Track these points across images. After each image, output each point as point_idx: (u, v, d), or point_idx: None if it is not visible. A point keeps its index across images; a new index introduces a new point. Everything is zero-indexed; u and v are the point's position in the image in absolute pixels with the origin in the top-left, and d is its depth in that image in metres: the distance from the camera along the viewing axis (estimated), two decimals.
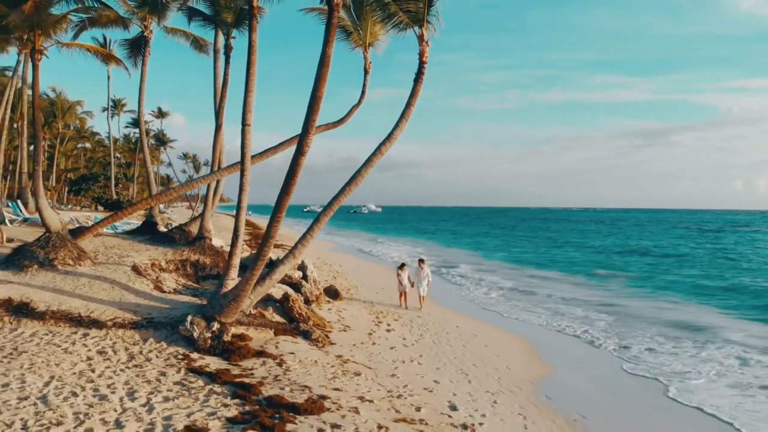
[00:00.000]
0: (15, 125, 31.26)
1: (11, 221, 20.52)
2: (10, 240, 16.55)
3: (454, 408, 9.47)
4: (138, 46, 21.20)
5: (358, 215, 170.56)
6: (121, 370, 9.30)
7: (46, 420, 6.95)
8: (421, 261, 19.92)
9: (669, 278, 31.32)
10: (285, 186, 10.82)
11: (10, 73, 43.53)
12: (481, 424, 8.86)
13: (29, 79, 26.50)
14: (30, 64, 14.78)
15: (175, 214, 74.28)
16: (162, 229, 19.79)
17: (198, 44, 21.16)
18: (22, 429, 6.64)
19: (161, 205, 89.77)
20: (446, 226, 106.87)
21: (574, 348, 15.47)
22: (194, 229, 18.70)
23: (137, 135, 78.80)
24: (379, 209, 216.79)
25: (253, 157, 14.03)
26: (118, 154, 77.75)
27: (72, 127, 60.82)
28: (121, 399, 7.94)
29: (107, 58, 16.20)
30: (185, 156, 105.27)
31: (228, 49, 16.95)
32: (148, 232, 19.28)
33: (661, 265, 38.46)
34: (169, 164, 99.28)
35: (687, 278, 31.23)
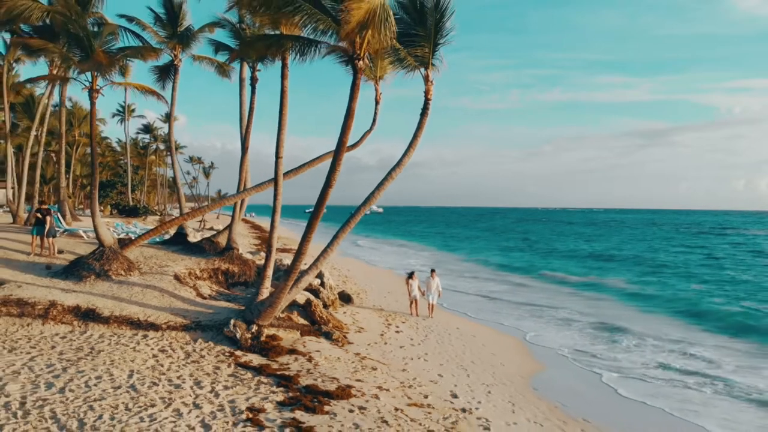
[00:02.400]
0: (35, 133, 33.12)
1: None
2: (60, 251, 18.62)
3: (455, 396, 11.54)
4: (167, 72, 23.30)
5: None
6: (183, 365, 11.37)
7: (141, 403, 9.02)
8: (432, 271, 20.93)
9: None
10: (315, 212, 12.92)
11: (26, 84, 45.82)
12: (477, 408, 10.93)
13: (53, 96, 28.68)
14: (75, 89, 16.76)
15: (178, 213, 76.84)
16: (191, 239, 21.84)
17: (222, 70, 23.22)
18: (126, 410, 8.70)
19: (167, 206, 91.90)
20: (442, 228, 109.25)
21: (559, 346, 17.55)
22: (222, 240, 20.77)
23: (146, 140, 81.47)
24: (381, 210, 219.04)
25: (289, 172, 16.11)
26: (121, 156, 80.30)
27: (83, 134, 62.89)
28: (191, 387, 10.01)
29: (149, 92, 18.21)
30: (191, 159, 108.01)
31: (254, 80, 18.99)
32: (179, 242, 21.34)
33: (614, 269, 40.84)
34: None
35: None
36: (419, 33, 14.74)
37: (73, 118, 51.11)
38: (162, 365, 11.14)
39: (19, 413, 8.25)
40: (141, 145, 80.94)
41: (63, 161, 26.04)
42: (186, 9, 22.70)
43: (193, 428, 8.19)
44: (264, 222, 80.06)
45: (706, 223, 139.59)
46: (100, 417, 8.28)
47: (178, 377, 10.50)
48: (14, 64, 32.45)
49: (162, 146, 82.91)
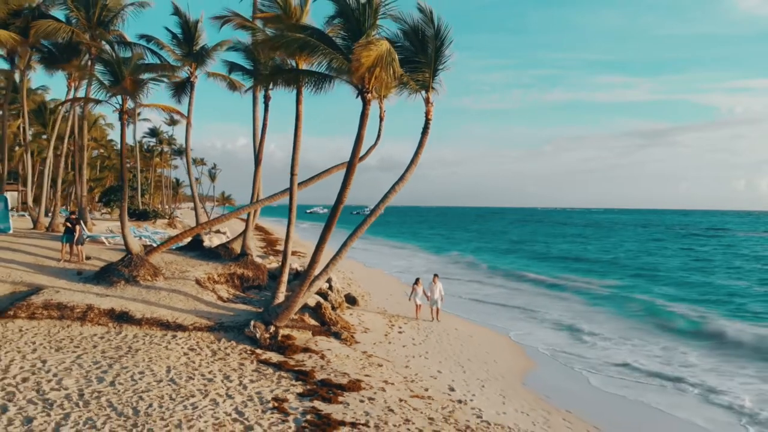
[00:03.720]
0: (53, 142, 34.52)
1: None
2: (87, 257, 20.10)
3: (452, 389, 13.02)
4: (183, 88, 24.81)
5: (360, 216, 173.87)
6: (211, 361, 12.84)
7: (182, 394, 10.49)
8: (435, 276, 21.92)
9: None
10: (327, 224, 14.40)
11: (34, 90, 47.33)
12: (471, 399, 12.41)
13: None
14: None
15: (181, 213, 78.73)
16: (207, 245, 23.33)
17: (233, 86, 24.72)
18: (170, 399, 10.17)
19: (171, 207, 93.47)
20: (440, 230, 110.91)
21: (543, 343, 19.05)
22: (237, 247, 22.26)
23: (151, 143, 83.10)
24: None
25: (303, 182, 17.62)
26: (127, 159, 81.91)
27: (92, 138, 64.43)
28: (222, 380, 11.48)
29: (173, 112, 19.69)
30: (195, 161, 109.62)
31: (267, 99, 20.47)
32: (196, 248, 22.83)
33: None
34: (183, 168, 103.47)
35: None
36: (420, 60, 16.14)
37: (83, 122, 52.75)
38: (193, 362, 12.61)
39: (81, 403, 9.71)
40: (146, 147, 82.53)
41: (84, 171, 27.47)
42: (201, 28, 24.23)
43: (230, 414, 9.66)
44: (265, 223, 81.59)
45: (700, 224, 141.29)
46: (150, 405, 9.75)
47: (209, 372, 11.97)
48: (27, 71, 33.86)
49: (167, 149, 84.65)
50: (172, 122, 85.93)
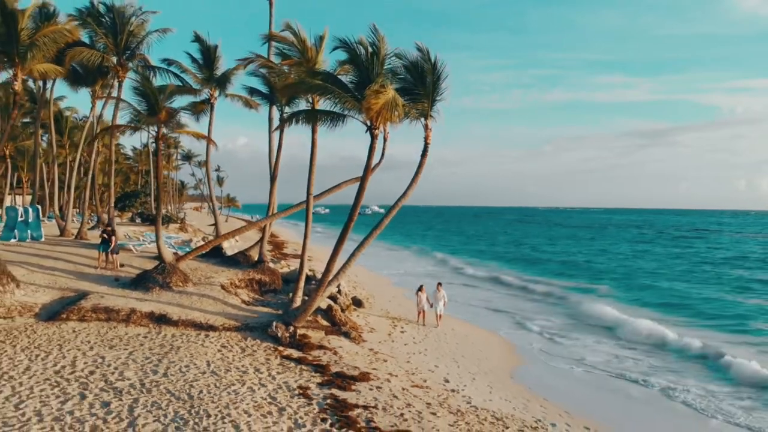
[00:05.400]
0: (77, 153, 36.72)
1: None
2: (121, 265, 22.38)
3: (447, 381, 15.28)
4: (201, 108, 27.10)
5: (361, 216, 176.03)
6: (242, 357, 15.08)
7: (224, 383, 12.73)
8: (439, 284, 23.42)
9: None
10: (340, 238, 16.65)
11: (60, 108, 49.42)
12: (463, 389, 14.67)
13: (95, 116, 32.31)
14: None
15: (187, 215, 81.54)
16: (226, 252, 25.62)
17: (249, 105, 26.99)
18: (215, 387, 12.42)
19: (177, 208, 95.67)
20: (438, 232, 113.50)
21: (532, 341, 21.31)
22: (254, 254, 24.56)
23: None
24: (382, 211, 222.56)
25: (315, 196, 19.85)
26: (131, 160, 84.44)
27: (104, 145, 66.74)
28: (254, 372, 13.73)
29: (202, 137, 21.94)
30: (199, 164, 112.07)
31: (281, 120, 22.70)
32: (216, 255, 25.11)
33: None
34: (191, 172, 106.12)
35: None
36: (420, 92, 18.40)
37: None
38: (227, 357, 14.86)
39: (144, 390, 11.95)
40: (153, 151, 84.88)
41: (112, 184, 29.74)
42: (220, 53, 26.52)
43: (265, 398, 11.92)
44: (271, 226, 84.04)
45: (695, 225, 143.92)
46: (201, 392, 12.00)
47: (242, 366, 14.23)
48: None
49: (173, 152, 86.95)
50: (179, 126, 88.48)
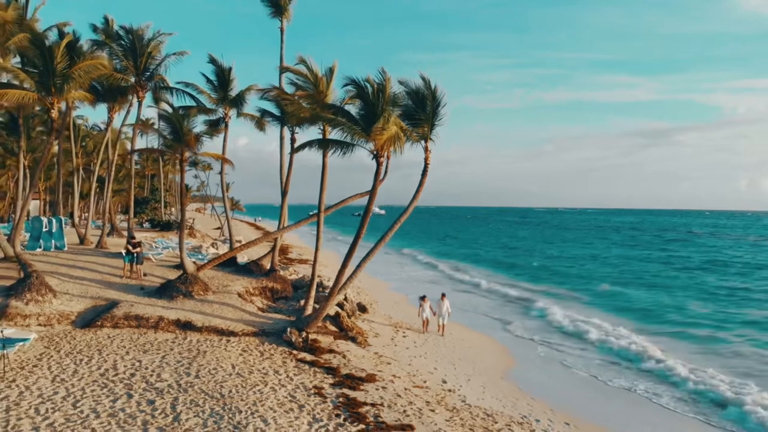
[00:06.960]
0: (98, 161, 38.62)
1: None
2: (145, 274, 24.21)
3: (445, 382, 17.09)
4: (216, 125, 28.92)
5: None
6: (261, 360, 16.90)
7: (249, 383, 14.55)
8: (443, 295, 24.31)
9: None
10: (349, 252, 18.48)
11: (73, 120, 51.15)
12: (459, 389, 16.49)
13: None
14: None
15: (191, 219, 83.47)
16: (240, 261, 27.44)
17: (260, 126, 28.84)
18: (242, 387, 14.24)
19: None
20: (437, 233, 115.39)
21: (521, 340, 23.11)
22: (266, 263, 26.40)
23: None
24: (383, 212, 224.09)
25: (327, 208, 21.67)
26: (139, 165, 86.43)
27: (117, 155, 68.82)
28: (273, 374, 15.54)
29: (221, 159, 23.81)
30: (204, 168, 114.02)
31: (293, 141, 24.55)
32: (230, 264, 26.92)
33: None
34: (195, 174, 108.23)
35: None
36: (420, 117, 20.22)
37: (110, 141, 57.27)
38: (249, 360, 16.68)
39: (181, 390, 13.77)
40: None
41: (132, 197, 31.59)
42: (234, 75, 28.34)
43: (287, 397, 13.73)
44: (268, 225, 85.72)
45: (690, 227, 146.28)
46: (230, 391, 13.82)
47: (262, 368, 16.05)
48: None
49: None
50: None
